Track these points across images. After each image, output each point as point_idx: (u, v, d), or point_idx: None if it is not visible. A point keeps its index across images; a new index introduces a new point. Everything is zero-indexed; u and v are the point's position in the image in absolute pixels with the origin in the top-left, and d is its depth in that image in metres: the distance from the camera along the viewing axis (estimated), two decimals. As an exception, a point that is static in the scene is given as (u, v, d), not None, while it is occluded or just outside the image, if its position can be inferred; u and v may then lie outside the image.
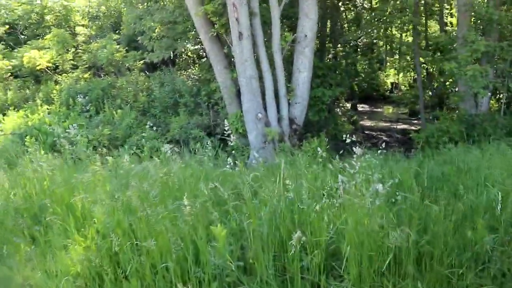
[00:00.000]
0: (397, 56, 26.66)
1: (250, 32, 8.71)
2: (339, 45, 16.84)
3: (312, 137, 9.31)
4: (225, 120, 10.19)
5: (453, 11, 16.85)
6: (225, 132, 7.69)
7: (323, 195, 4.06)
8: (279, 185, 4.14)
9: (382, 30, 16.67)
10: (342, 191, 3.72)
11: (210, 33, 9.32)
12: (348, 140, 4.58)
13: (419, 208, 3.99)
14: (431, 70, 13.45)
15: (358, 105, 20.42)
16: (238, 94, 9.36)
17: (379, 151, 4.88)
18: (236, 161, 7.17)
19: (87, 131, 10.27)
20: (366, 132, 14.97)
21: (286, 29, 10.99)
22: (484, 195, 4.29)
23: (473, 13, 9.50)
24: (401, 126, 16.47)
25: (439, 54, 13.12)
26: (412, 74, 21.79)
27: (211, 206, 3.96)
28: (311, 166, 7.26)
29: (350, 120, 14.60)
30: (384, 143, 13.54)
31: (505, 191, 4.12)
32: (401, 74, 25.88)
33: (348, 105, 19.44)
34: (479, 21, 9.10)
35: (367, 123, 17.42)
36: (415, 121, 17.46)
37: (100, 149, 8.96)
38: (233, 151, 9.87)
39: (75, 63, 15.53)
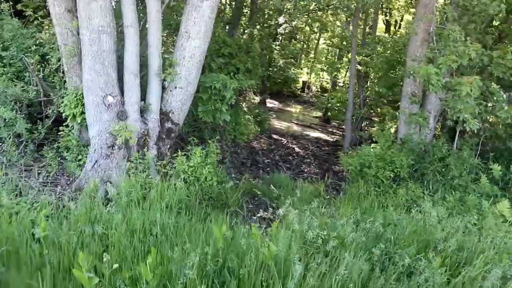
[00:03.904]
0: (312, 55, 24.48)
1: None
2: (258, 26, 13.65)
3: (196, 145, 5.85)
4: (63, 97, 6.38)
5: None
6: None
7: None
8: None
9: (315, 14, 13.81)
10: None
11: None
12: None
13: None
14: (365, 72, 10.73)
15: (267, 101, 17.49)
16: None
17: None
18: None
19: None
20: (274, 137, 11.90)
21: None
22: None
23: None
24: (315, 133, 13.75)
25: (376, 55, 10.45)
26: (329, 76, 19.54)
27: None
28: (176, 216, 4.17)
29: (257, 119, 11.36)
30: (297, 158, 9.93)
31: None
32: (313, 75, 23.92)
33: (257, 99, 16.39)
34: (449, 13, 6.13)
35: (276, 123, 14.45)
36: (330, 129, 14.97)
37: None
38: (68, 151, 6.10)
39: None
